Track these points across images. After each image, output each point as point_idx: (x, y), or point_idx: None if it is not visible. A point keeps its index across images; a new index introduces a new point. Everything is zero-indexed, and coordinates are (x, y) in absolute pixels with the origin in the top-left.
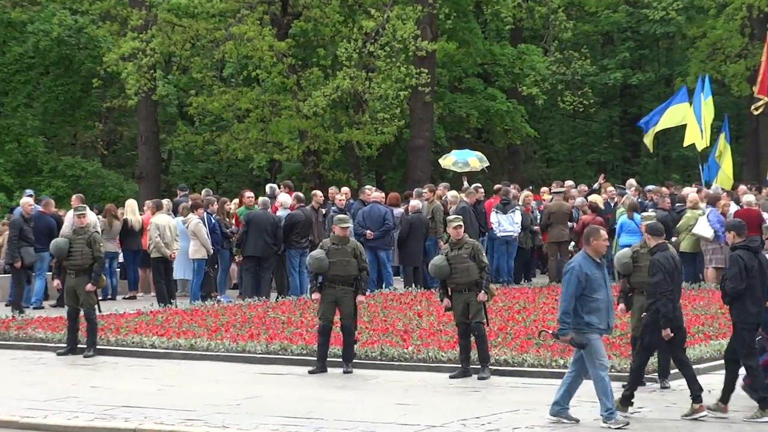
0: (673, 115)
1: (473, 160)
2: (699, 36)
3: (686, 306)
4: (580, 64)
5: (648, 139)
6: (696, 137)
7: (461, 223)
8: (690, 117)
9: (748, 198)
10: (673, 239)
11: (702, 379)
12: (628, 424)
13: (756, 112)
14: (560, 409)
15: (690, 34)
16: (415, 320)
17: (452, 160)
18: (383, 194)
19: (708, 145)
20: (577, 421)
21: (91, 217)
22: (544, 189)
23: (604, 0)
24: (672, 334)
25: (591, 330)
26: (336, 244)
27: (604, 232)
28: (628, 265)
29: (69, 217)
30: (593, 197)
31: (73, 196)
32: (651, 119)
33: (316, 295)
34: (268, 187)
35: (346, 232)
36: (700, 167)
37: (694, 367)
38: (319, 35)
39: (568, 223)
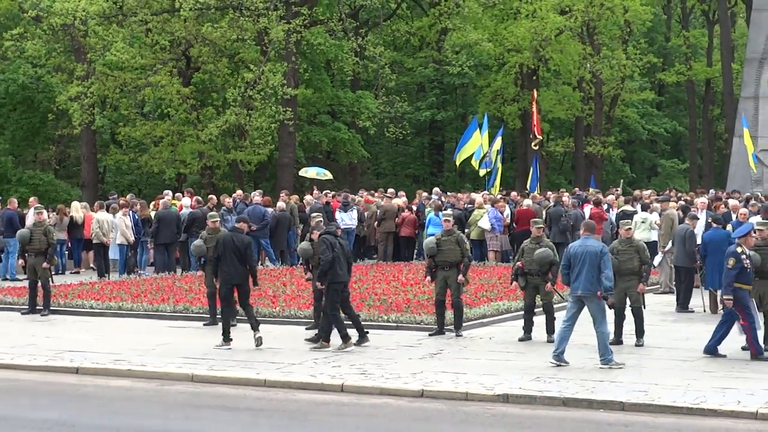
0: (473, 142)
1: (325, 172)
2: (485, 85)
3: (475, 278)
4: (400, 105)
5: (458, 161)
6: (469, 159)
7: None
8: (474, 144)
9: (527, 201)
10: (466, 230)
11: (485, 330)
12: (623, 365)
13: (535, 147)
14: (560, 353)
15: (479, 84)
16: (281, 288)
17: (314, 172)
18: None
19: (478, 165)
20: (568, 363)
21: (46, 214)
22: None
23: (418, 59)
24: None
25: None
26: (210, 234)
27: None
28: (433, 249)
29: (30, 215)
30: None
31: (31, 198)
32: (458, 148)
33: (199, 272)
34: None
35: (216, 224)
36: (486, 179)
37: (480, 321)
38: (213, 83)
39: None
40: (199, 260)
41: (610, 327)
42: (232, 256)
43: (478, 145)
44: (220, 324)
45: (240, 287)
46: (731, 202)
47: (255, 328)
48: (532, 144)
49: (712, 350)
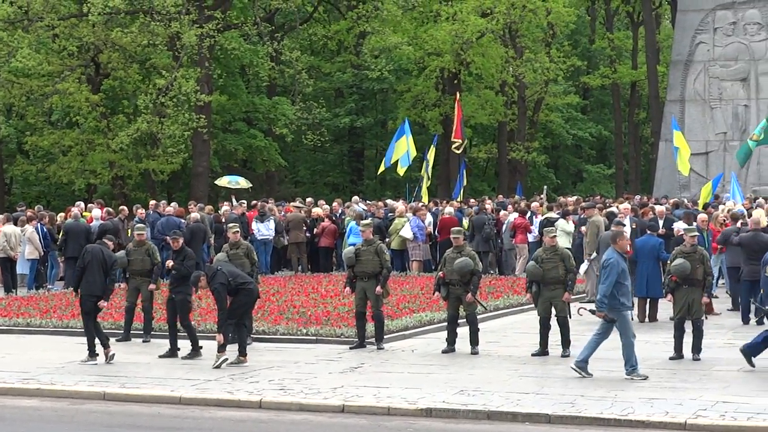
0: (399, 149)
1: (242, 181)
2: (405, 90)
3: (397, 289)
4: (318, 111)
5: (382, 168)
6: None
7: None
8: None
9: (449, 209)
10: (386, 240)
11: (407, 342)
12: (647, 377)
13: (457, 152)
14: (583, 364)
15: (399, 89)
16: (196, 302)
17: (227, 180)
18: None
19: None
20: (591, 375)
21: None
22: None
23: (336, 64)
24: None
25: (624, 308)
26: (135, 247)
27: (625, 235)
28: (352, 259)
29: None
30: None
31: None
32: (387, 157)
33: (122, 285)
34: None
35: (143, 237)
36: (407, 187)
37: (402, 333)
38: (124, 90)
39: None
40: (123, 273)
41: (536, 338)
42: (98, 268)
43: (405, 151)
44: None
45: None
46: (658, 208)
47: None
48: (453, 147)
49: (749, 353)
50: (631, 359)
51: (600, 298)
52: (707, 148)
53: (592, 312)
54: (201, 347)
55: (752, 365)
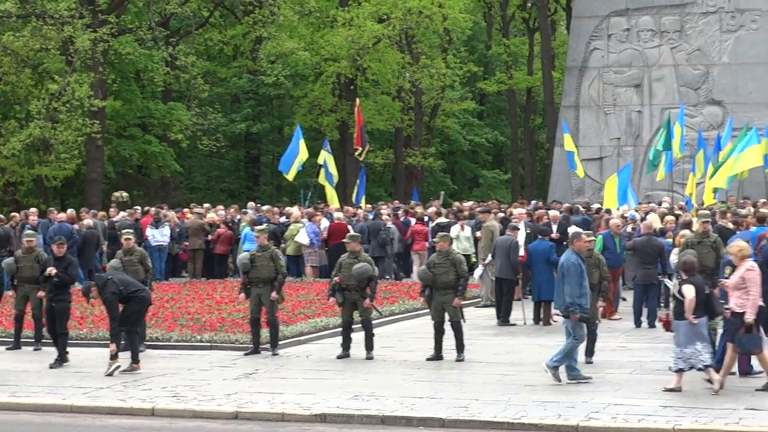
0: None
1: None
2: (302, 96)
3: (292, 295)
4: (214, 117)
5: (291, 175)
6: (293, 174)
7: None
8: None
9: (338, 214)
10: (282, 245)
11: (302, 348)
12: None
13: (359, 158)
14: (576, 373)
15: (295, 95)
16: (89, 309)
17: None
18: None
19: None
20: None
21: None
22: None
23: (232, 69)
24: None
25: (581, 311)
26: (24, 254)
27: (585, 235)
28: (247, 265)
29: None
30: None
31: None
32: (289, 162)
33: (11, 292)
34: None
35: (32, 243)
36: (302, 192)
37: (297, 338)
38: (16, 95)
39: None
40: (12, 280)
41: (431, 343)
42: None
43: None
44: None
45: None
46: (552, 212)
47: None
48: (356, 155)
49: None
50: (560, 355)
51: (570, 301)
52: (601, 154)
53: (565, 317)
54: (68, 359)
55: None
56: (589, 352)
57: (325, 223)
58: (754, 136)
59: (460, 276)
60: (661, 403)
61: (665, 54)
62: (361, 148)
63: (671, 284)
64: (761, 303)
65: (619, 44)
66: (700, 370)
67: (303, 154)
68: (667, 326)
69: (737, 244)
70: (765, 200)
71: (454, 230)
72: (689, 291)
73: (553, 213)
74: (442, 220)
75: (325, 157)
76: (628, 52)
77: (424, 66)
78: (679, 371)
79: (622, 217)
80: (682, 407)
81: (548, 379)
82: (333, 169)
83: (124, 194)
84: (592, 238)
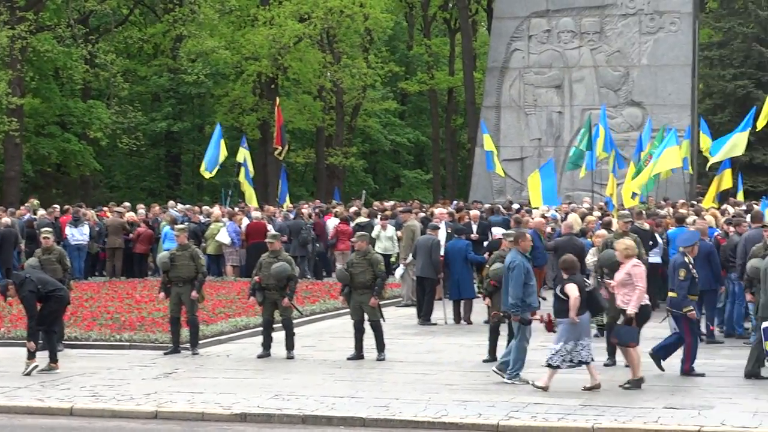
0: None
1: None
2: (223, 95)
3: (212, 294)
4: (134, 115)
5: (214, 172)
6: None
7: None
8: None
9: (256, 214)
10: (203, 244)
11: (223, 347)
12: (528, 382)
13: (280, 157)
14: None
15: (216, 93)
16: (7, 309)
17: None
18: None
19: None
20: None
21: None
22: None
23: (152, 68)
24: None
25: (530, 309)
26: None
27: (528, 236)
28: (167, 264)
29: None
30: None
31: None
32: (215, 160)
33: None
34: None
35: None
36: (224, 191)
37: (217, 338)
38: None
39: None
40: None
41: (351, 342)
42: None
43: (224, 155)
44: None
45: None
46: (472, 212)
47: None
48: (275, 154)
49: (689, 372)
50: (517, 363)
51: (513, 302)
52: (522, 154)
53: (507, 317)
54: None
55: (662, 369)
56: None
57: (246, 222)
58: (672, 138)
59: (377, 276)
60: (581, 401)
61: (585, 55)
62: (280, 147)
63: (590, 284)
64: (647, 302)
65: (539, 45)
66: (577, 366)
67: (224, 152)
68: (549, 326)
69: (623, 243)
70: (684, 201)
71: (376, 230)
72: (573, 290)
73: (473, 213)
74: (362, 219)
75: (245, 154)
76: (548, 53)
77: (345, 65)
78: (554, 368)
79: (543, 216)
80: (601, 406)
81: (468, 379)
82: (250, 166)
83: (35, 202)
84: (510, 237)
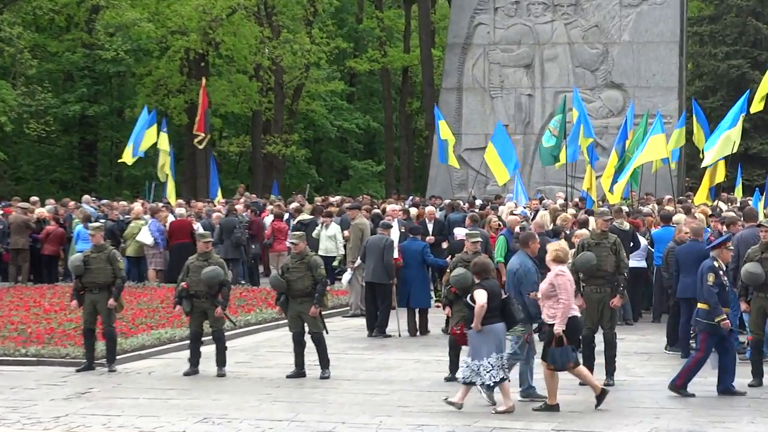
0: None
1: None
2: (145, 74)
3: (132, 302)
4: (43, 97)
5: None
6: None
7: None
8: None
9: (180, 210)
10: (122, 245)
11: (144, 363)
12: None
13: (200, 146)
14: (529, 389)
15: (138, 72)
16: None
17: None
18: None
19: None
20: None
21: None
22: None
23: (65, 43)
24: None
25: (535, 319)
26: None
27: (537, 238)
28: (80, 268)
29: None
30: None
31: None
32: (136, 144)
33: None
34: None
35: None
36: (147, 184)
37: (138, 352)
38: None
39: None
40: None
41: (291, 357)
42: None
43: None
44: None
45: None
46: (428, 209)
47: None
48: (195, 141)
49: (728, 389)
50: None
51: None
52: (487, 142)
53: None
54: None
55: (693, 395)
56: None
57: (171, 220)
58: (658, 124)
59: (318, 281)
60: (553, 425)
61: (559, 30)
62: (202, 134)
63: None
64: (576, 313)
65: (507, 19)
66: (488, 386)
67: (151, 138)
68: (461, 339)
69: (553, 245)
70: (671, 197)
71: (318, 229)
72: (481, 296)
73: (428, 210)
74: (305, 217)
75: (165, 139)
76: (517, 28)
77: (285, 41)
78: (469, 384)
79: (512, 214)
80: (577, 430)
81: (425, 400)
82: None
83: None
84: (478, 239)
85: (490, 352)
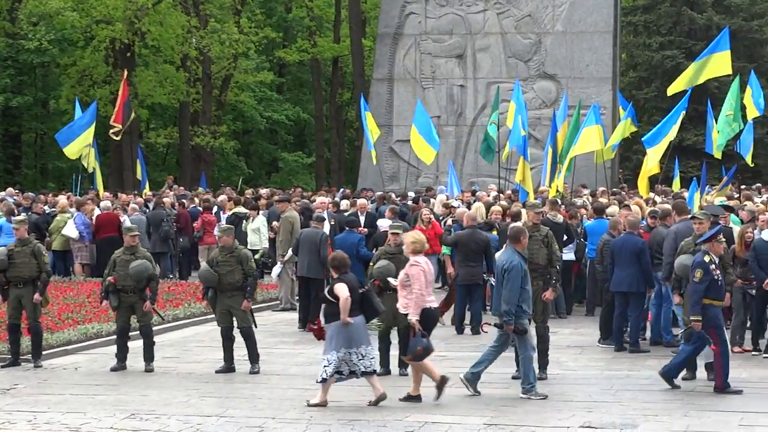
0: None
1: None
2: (70, 64)
3: (58, 297)
4: None
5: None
6: (75, 152)
7: None
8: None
9: (106, 203)
10: (47, 239)
11: (70, 359)
12: (546, 397)
13: (116, 138)
14: (475, 379)
15: (63, 63)
16: None
17: None
18: None
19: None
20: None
21: None
22: None
23: None
24: None
25: (525, 315)
26: None
27: (527, 232)
28: (4, 262)
29: None
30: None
31: None
32: (73, 136)
33: None
34: None
35: None
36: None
37: (64, 348)
38: None
39: None
40: None
41: (220, 353)
42: None
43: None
44: None
45: None
46: (359, 201)
47: None
48: (111, 132)
49: (670, 375)
50: (528, 376)
51: (506, 309)
52: None
53: (499, 327)
54: None
55: (677, 386)
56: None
57: (98, 213)
58: (592, 115)
59: (248, 275)
60: (485, 420)
61: (491, 20)
62: (119, 126)
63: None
64: (431, 304)
65: (438, 8)
66: (349, 377)
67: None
68: (320, 333)
69: (410, 235)
70: (604, 189)
71: (244, 222)
72: (342, 290)
73: (360, 202)
74: (240, 210)
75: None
76: (448, 18)
77: (213, 31)
78: (324, 381)
79: (445, 206)
80: (509, 425)
81: (356, 395)
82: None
83: None
84: (397, 231)
85: (350, 345)
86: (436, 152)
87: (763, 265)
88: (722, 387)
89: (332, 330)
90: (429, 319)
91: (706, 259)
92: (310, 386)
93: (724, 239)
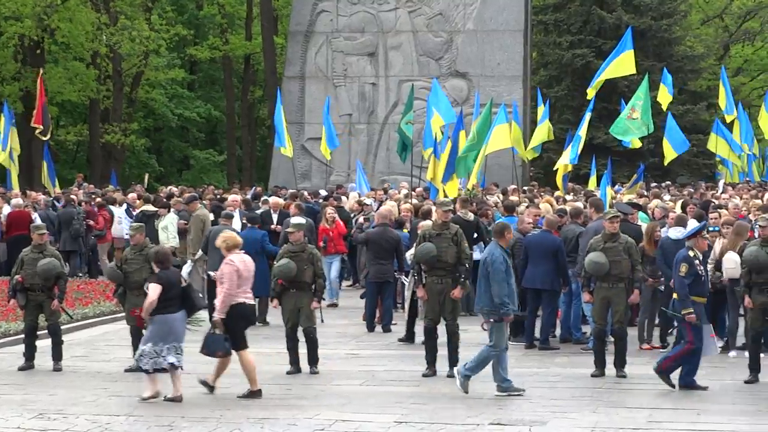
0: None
1: None
2: None
3: None
4: None
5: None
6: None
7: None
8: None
9: (17, 201)
10: None
11: None
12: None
13: (44, 137)
14: (507, 384)
15: None
16: None
17: None
18: None
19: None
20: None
21: None
22: None
23: None
24: None
25: (509, 310)
26: None
27: (511, 227)
28: None
29: None
30: None
31: None
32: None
33: None
34: None
35: None
36: None
37: None
38: None
39: None
40: None
41: (129, 351)
42: None
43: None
44: None
45: None
46: (272, 199)
47: None
48: (37, 133)
49: (689, 382)
50: (474, 368)
51: (501, 301)
52: None
53: (497, 321)
54: None
55: (672, 386)
56: (312, 360)
57: (7, 210)
58: (502, 114)
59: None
60: (395, 418)
61: (403, 18)
62: (42, 127)
63: (408, 281)
64: (245, 300)
65: (350, 6)
66: (164, 371)
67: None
68: (140, 322)
69: (221, 235)
70: (515, 187)
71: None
72: (153, 290)
73: (273, 200)
74: (149, 208)
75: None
76: (360, 16)
77: (123, 27)
78: (147, 372)
79: (358, 203)
80: (419, 423)
81: (265, 393)
82: (16, 144)
83: None
84: (293, 229)
85: (165, 339)
86: (330, 149)
87: (670, 262)
88: (688, 384)
89: (150, 322)
90: (241, 316)
91: (691, 254)
92: (219, 384)
93: (708, 236)
